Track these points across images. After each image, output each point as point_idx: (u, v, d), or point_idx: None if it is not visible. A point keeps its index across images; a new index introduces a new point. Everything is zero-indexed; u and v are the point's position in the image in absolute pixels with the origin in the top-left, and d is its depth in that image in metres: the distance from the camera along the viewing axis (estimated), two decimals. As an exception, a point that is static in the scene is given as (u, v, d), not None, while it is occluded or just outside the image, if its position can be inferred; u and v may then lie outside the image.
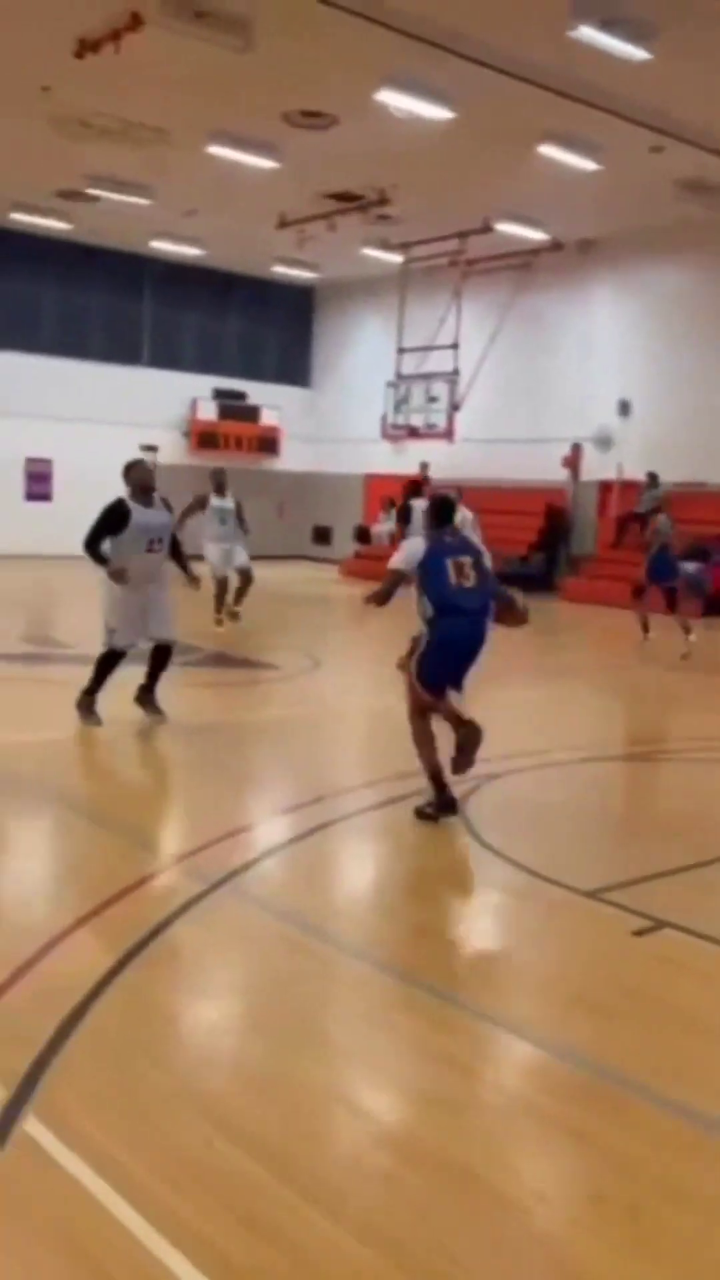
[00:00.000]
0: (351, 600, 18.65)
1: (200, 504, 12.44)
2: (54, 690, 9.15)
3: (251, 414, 25.47)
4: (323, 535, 26.00)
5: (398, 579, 5.88)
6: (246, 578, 12.85)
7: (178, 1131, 3.00)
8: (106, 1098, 3.13)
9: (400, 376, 21.40)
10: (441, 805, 5.87)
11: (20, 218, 20.51)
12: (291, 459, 25.73)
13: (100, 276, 23.41)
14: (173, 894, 4.67)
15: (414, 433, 21.12)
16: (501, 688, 10.50)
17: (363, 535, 23.24)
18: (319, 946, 4.23)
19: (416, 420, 20.97)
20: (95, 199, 18.87)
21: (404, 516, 10.31)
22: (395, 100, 13.35)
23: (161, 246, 22.27)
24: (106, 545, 7.56)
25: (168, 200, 18.84)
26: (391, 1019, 3.73)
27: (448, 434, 20.59)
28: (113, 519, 7.63)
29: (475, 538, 6.90)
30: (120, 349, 23.93)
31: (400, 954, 4.23)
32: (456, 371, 20.55)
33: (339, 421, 25.57)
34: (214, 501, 12.69)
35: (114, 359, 23.77)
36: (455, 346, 20.50)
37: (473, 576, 5.81)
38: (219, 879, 4.83)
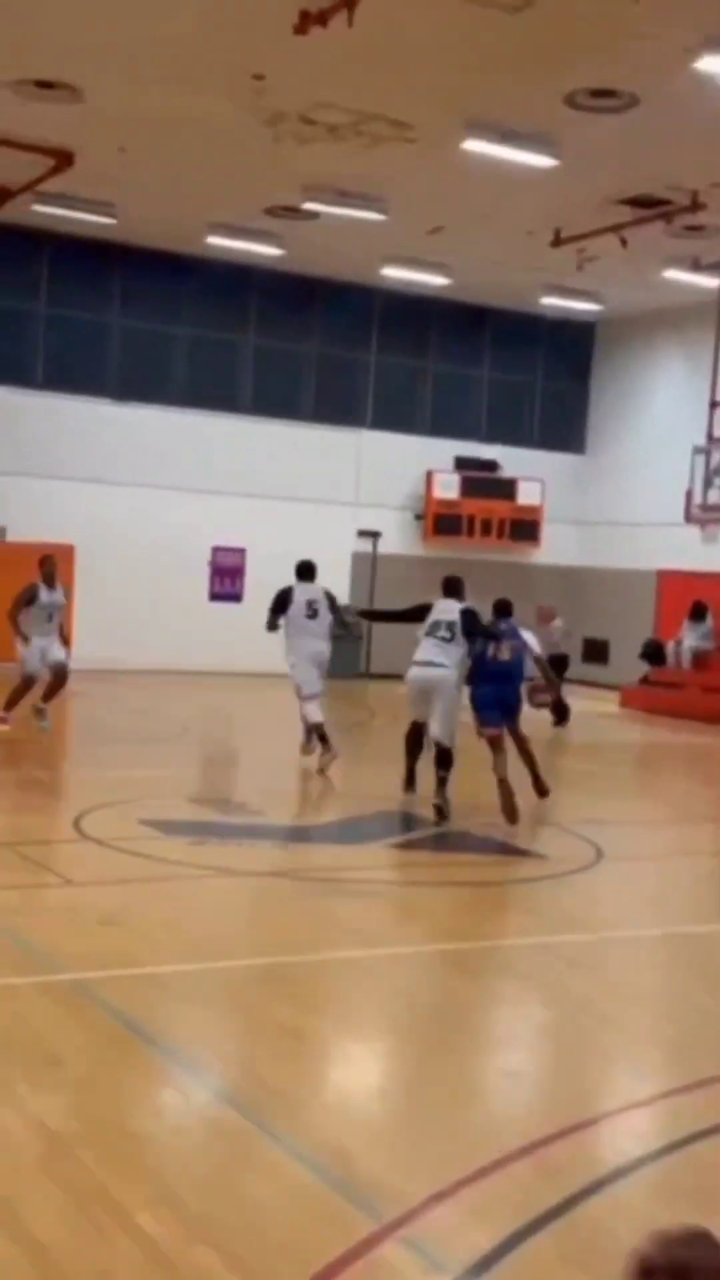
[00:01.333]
0: (643, 748, 17.46)
1: (30, 598, 14.10)
2: (234, 887, 8.47)
3: (505, 489, 25.11)
4: (597, 651, 25.09)
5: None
6: (61, 674, 14.35)
7: None
8: None
9: (714, 440, 20.61)
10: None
11: (219, 243, 20.93)
12: (557, 548, 25.22)
13: (316, 315, 23.71)
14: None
15: (732, 516, 20.10)
16: None
17: (655, 653, 22.16)
18: None
19: (736, 499, 19.99)
20: (313, 216, 19.04)
21: (282, 606, 13.14)
22: (722, 68, 12.72)
23: (396, 275, 22.34)
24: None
25: (406, 214, 18.81)
26: None
27: (780, 518, 19.44)
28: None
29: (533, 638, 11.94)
30: (337, 407, 24.09)
31: None
32: None
33: (624, 499, 24.91)
34: (43, 596, 14.21)
35: (329, 420, 23.93)
36: None
37: (507, 654, 11.46)
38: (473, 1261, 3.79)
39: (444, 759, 11.14)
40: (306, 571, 13.40)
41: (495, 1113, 5.32)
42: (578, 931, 8.05)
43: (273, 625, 13.05)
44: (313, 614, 13.10)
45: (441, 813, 10.81)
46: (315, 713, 12.89)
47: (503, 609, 11.92)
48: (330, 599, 13.37)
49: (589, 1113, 5.28)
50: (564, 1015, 6.63)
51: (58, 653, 14.28)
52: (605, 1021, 6.51)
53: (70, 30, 13.16)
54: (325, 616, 13.18)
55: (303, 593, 13.16)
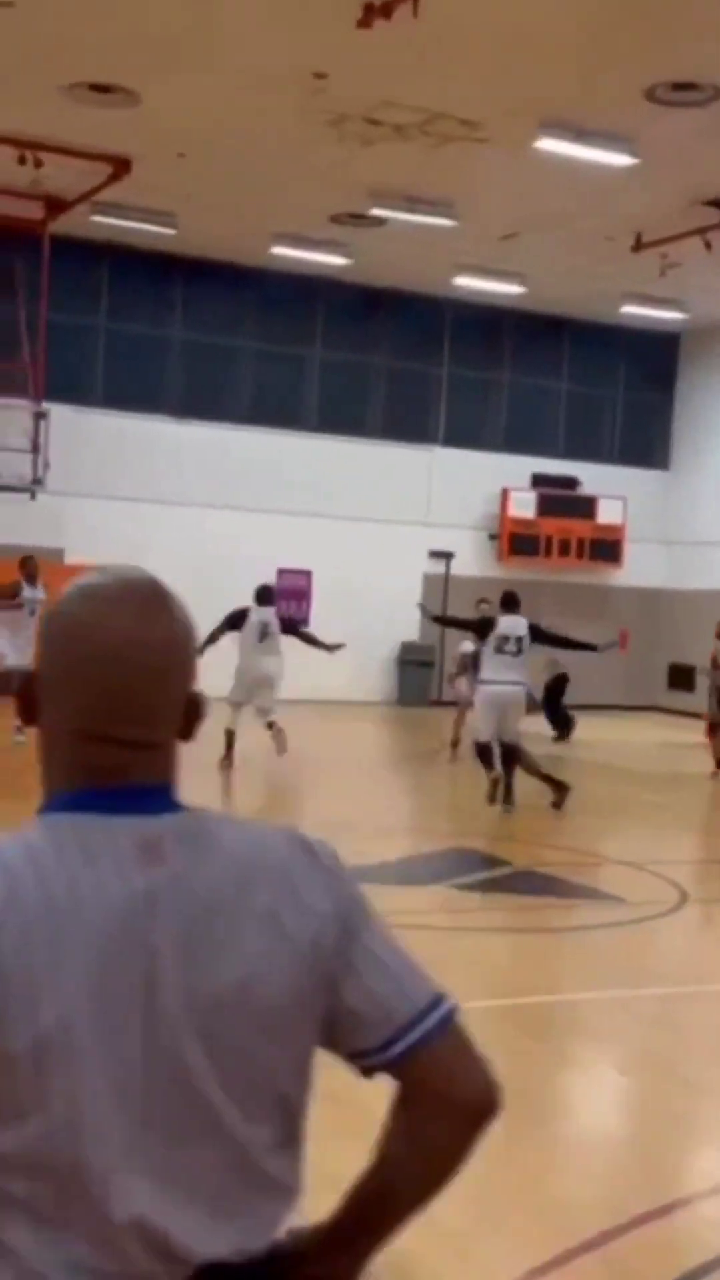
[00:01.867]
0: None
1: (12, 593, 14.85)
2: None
3: (584, 507, 24.93)
4: (683, 677, 24.54)
5: None
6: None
7: None
8: None
9: None
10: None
11: (283, 253, 20.81)
12: (640, 570, 25.01)
13: (385, 327, 23.63)
14: None
15: None
16: None
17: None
18: None
19: None
20: (381, 222, 18.92)
21: (233, 625, 14.09)
22: None
23: (468, 284, 22.17)
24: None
25: (478, 220, 18.66)
26: None
27: None
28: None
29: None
30: (407, 423, 23.99)
31: None
32: None
33: (711, 517, 24.63)
34: (25, 591, 14.93)
35: (398, 437, 23.83)
36: None
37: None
38: None
39: (513, 755, 12.37)
40: (264, 595, 14.71)
41: (562, 1196, 4.88)
42: (659, 984, 7.65)
43: (212, 640, 12.88)
44: (263, 636, 14.33)
45: (510, 792, 12.23)
46: (231, 720, 14.24)
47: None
48: (283, 621, 14.87)
49: (671, 1196, 4.86)
50: (643, 1081, 6.20)
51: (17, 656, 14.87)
52: (691, 1088, 6.06)
53: (124, 30, 13.08)
54: (275, 638, 14.46)
55: (257, 615, 14.39)
